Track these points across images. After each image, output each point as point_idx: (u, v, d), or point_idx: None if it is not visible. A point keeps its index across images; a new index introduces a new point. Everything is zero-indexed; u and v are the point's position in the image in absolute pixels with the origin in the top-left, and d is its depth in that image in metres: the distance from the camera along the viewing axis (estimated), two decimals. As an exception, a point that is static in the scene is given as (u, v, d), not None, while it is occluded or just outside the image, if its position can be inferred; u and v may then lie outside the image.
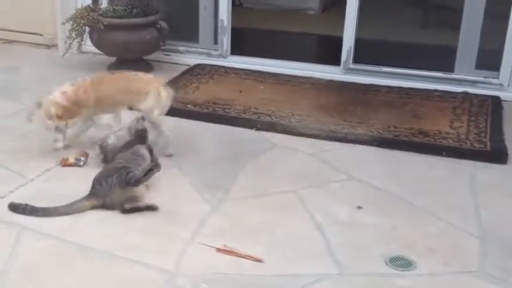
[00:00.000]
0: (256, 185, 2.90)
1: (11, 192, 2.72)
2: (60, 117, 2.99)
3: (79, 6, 4.60)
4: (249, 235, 2.48)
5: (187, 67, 4.66)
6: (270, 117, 3.67)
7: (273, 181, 2.94)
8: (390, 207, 2.72)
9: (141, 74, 3.27)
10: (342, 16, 4.44)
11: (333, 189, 2.87)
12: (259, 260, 2.28)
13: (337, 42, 4.51)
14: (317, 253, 2.36)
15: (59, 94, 3.02)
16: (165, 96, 3.13)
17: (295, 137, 3.44)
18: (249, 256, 2.30)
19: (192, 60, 4.76)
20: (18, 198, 2.62)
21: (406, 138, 3.38)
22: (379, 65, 4.37)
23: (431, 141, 3.35)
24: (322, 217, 2.61)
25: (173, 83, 4.13)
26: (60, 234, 2.41)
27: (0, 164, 2.99)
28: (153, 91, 3.11)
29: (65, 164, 2.99)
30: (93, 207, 2.59)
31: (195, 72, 4.54)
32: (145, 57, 4.65)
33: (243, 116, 3.69)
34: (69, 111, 3.01)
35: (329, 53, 4.83)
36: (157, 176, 2.78)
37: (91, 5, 4.51)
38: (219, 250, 2.34)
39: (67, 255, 2.30)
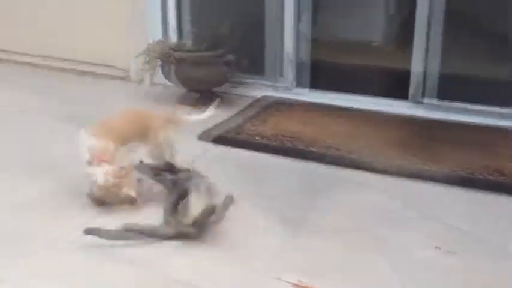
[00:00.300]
0: (328, 221, 2.89)
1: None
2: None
3: (151, 40, 4.79)
4: (323, 271, 2.47)
5: (252, 99, 4.73)
6: (338, 151, 3.66)
7: (346, 217, 2.93)
8: (468, 248, 2.65)
9: (149, 110, 3.16)
10: (405, 48, 4.42)
11: (408, 228, 2.82)
12: (335, 298, 2.27)
13: (405, 75, 4.48)
14: (393, 293, 2.32)
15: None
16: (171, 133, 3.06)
17: (365, 172, 3.42)
18: (325, 293, 2.29)
19: (257, 92, 4.84)
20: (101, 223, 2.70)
21: (481, 177, 3.29)
22: (449, 99, 4.31)
23: (508, 180, 3.25)
24: (397, 256, 2.57)
25: (238, 114, 4.22)
26: (143, 262, 2.48)
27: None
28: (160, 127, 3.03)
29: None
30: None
31: (261, 104, 4.60)
32: (214, 89, 4.76)
33: (311, 149, 3.70)
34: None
35: (397, 86, 4.80)
36: (230, 209, 2.85)
37: (163, 39, 4.67)
38: (295, 285, 2.34)
39: (151, 284, 2.36)
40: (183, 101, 4.61)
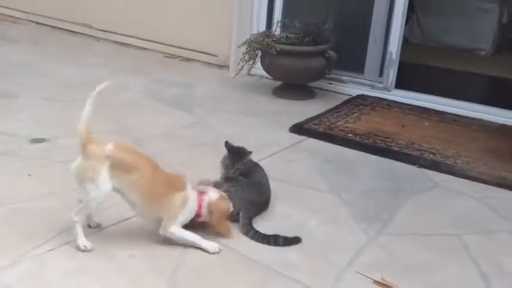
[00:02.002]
0: (416, 223, 2.82)
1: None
2: None
3: (254, 31, 4.89)
4: (406, 273, 2.41)
5: (348, 97, 4.70)
6: (434, 155, 3.56)
7: (435, 222, 2.84)
8: None
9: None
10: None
11: (501, 239, 2.70)
12: (418, 300, 2.21)
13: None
14: (481, 304, 2.23)
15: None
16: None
17: (460, 179, 3.30)
18: (408, 294, 2.24)
19: (354, 90, 4.79)
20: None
21: None
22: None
23: None
24: (488, 266, 2.46)
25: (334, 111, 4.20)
26: (227, 242, 2.54)
27: (176, 168, 3.22)
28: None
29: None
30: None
31: (357, 102, 4.55)
32: (309, 84, 4.78)
33: (405, 151, 3.62)
34: None
35: (502, 96, 4.58)
36: (316, 203, 2.85)
37: (266, 31, 4.74)
38: (376, 282, 2.31)
39: (230, 262, 2.42)
40: (278, 93, 4.67)
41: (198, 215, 2.51)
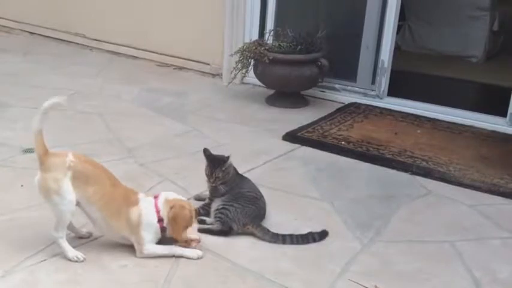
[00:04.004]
0: (409, 231, 2.82)
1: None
2: None
3: (246, 40, 4.90)
4: (399, 280, 2.41)
5: (341, 105, 4.71)
6: (426, 162, 3.57)
7: (428, 229, 2.84)
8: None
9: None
10: (508, 66, 4.21)
11: (494, 246, 2.70)
12: (411, 307, 2.21)
13: (503, 92, 4.28)
14: (474, 310, 2.23)
15: None
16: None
17: (452, 186, 3.31)
18: (401, 301, 2.23)
19: (347, 98, 4.81)
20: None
21: None
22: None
23: None
24: (480, 273, 2.47)
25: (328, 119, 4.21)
26: (217, 250, 2.54)
27: (168, 177, 3.23)
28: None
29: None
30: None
31: (350, 110, 4.57)
32: (302, 92, 4.79)
33: (398, 158, 3.63)
34: None
35: (493, 102, 4.60)
36: (310, 211, 2.85)
37: (258, 40, 4.76)
38: (369, 290, 2.31)
39: (223, 271, 2.41)
40: (271, 102, 4.68)
41: (159, 219, 2.44)
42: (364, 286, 2.33)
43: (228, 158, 2.76)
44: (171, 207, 2.43)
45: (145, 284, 2.29)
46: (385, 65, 4.67)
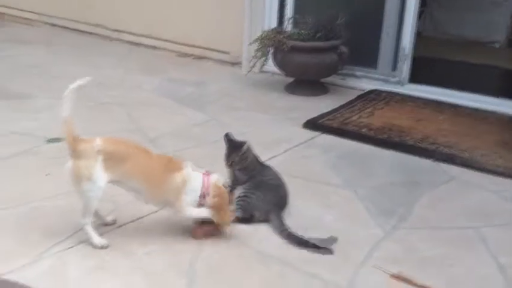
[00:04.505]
0: (432, 217, 2.81)
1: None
2: None
3: (265, 28, 4.89)
4: (423, 266, 2.40)
5: (361, 92, 4.68)
6: (449, 148, 3.54)
7: (451, 215, 2.83)
8: None
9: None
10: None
11: (519, 231, 2.68)
12: (436, 293, 2.21)
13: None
14: (499, 296, 2.22)
15: None
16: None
17: (476, 172, 3.28)
18: (426, 287, 2.23)
19: (367, 85, 4.77)
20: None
21: None
22: None
23: None
24: (505, 260, 2.44)
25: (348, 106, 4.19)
26: (241, 237, 2.55)
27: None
28: None
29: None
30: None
31: (370, 97, 4.54)
32: (322, 80, 4.77)
33: (420, 145, 3.60)
34: None
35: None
36: (332, 198, 2.86)
37: (277, 28, 4.74)
38: (393, 276, 2.30)
39: (246, 258, 2.43)
40: (291, 90, 4.67)
41: (204, 194, 2.47)
42: (388, 272, 2.33)
43: (245, 143, 2.76)
44: (217, 195, 2.46)
45: (170, 269, 2.31)
46: (406, 51, 4.62)
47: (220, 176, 2.57)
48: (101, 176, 2.34)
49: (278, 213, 2.69)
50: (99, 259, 2.36)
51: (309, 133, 3.83)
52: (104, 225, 2.58)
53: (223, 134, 2.85)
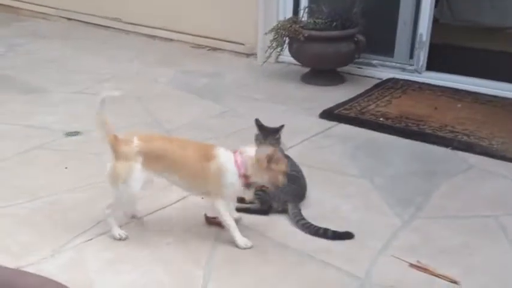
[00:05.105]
0: (451, 206, 2.78)
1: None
2: None
3: (281, 18, 4.86)
4: (442, 255, 2.39)
5: (378, 81, 4.65)
6: (468, 137, 3.50)
7: (470, 204, 2.80)
8: None
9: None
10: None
11: (540, 220, 2.65)
12: (455, 282, 2.19)
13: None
14: (520, 285, 2.20)
15: None
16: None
17: (495, 160, 3.24)
18: (445, 276, 2.22)
19: (384, 74, 4.73)
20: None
21: None
22: None
23: None
24: (526, 248, 2.42)
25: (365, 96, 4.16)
26: (257, 228, 2.56)
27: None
28: None
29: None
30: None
31: (387, 86, 4.50)
32: (338, 69, 4.74)
33: (438, 133, 3.57)
34: None
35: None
36: (349, 188, 2.86)
37: (293, 18, 4.71)
38: (412, 265, 2.29)
39: (263, 248, 2.43)
40: (307, 80, 4.65)
41: (244, 176, 2.38)
42: (406, 262, 2.32)
43: (282, 127, 2.75)
44: (269, 156, 2.35)
45: (188, 261, 2.33)
46: (424, 38, 4.57)
47: (250, 148, 2.43)
48: (137, 178, 2.36)
49: (296, 204, 2.69)
50: (118, 251, 2.39)
51: (326, 123, 3.81)
52: (130, 218, 2.61)
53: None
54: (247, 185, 2.42)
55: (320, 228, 2.52)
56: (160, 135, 2.56)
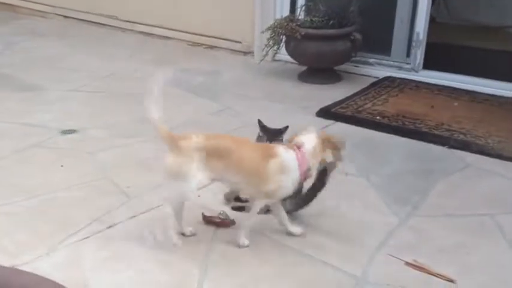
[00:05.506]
0: (447, 204, 2.79)
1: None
2: None
3: (277, 16, 4.86)
4: (439, 254, 2.39)
5: (375, 79, 4.64)
6: (464, 135, 3.50)
7: (467, 202, 2.80)
8: None
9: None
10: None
11: (536, 219, 2.65)
12: (451, 281, 2.19)
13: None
14: (516, 284, 2.20)
15: None
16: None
17: (492, 158, 3.24)
18: (441, 275, 2.22)
19: (381, 72, 4.73)
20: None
21: None
22: None
23: None
24: (522, 247, 2.43)
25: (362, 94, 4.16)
26: (255, 226, 2.54)
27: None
28: None
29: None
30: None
31: (384, 84, 4.50)
32: (335, 68, 4.74)
33: (435, 132, 3.57)
34: None
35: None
36: (346, 186, 2.85)
37: (290, 16, 4.71)
38: (408, 264, 2.29)
39: (260, 246, 2.43)
40: (304, 78, 4.65)
41: (304, 173, 2.34)
42: (403, 260, 2.32)
43: (286, 128, 2.70)
44: (325, 139, 2.38)
45: (185, 259, 2.33)
46: (420, 37, 4.57)
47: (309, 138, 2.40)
48: (196, 176, 2.27)
49: (294, 202, 2.68)
50: (114, 249, 2.38)
51: (323, 121, 3.81)
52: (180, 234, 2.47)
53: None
54: (305, 176, 2.38)
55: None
56: (219, 134, 2.47)
